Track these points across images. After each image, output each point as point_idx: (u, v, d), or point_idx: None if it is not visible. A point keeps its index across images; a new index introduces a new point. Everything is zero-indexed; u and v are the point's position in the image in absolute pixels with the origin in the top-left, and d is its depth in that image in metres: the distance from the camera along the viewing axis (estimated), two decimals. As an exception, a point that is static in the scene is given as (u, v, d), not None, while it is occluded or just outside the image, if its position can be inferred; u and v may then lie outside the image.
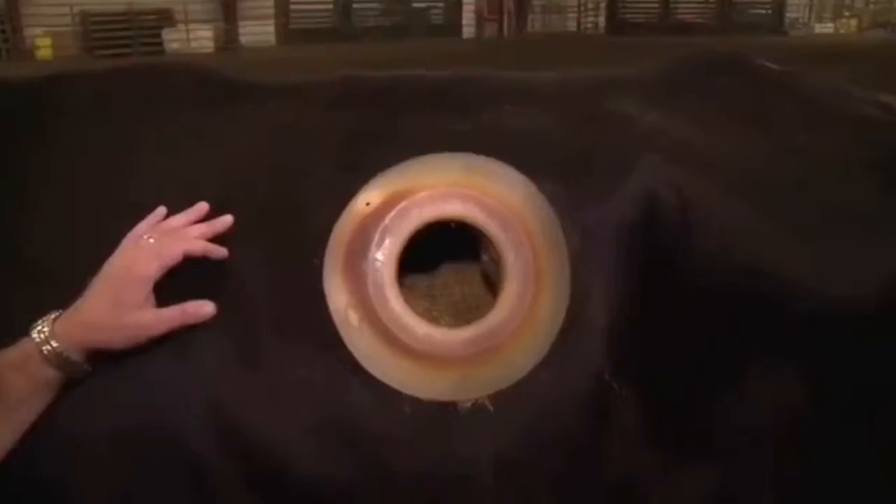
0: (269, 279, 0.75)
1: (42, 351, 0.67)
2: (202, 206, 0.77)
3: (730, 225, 0.76)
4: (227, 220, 0.75)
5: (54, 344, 0.67)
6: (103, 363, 0.70)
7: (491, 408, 0.70)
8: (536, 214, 0.75)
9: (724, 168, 0.80)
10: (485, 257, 0.79)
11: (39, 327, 0.68)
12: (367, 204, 0.75)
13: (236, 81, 0.94)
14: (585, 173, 0.79)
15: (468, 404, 0.70)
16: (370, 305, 0.72)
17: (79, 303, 0.70)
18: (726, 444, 0.76)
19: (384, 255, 0.73)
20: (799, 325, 0.74)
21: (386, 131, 0.83)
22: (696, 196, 0.77)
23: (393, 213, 0.74)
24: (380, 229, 0.74)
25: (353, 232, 0.74)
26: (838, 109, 0.91)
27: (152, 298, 0.71)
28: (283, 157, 0.82)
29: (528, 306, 0.73)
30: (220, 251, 0.74)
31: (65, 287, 0.71)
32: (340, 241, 0.74)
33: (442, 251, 0.82)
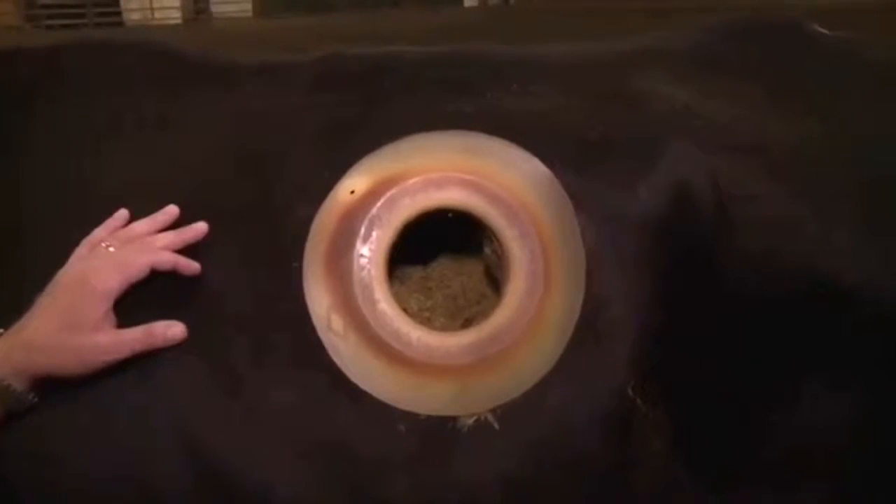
0: (244, 287, 0.75)
1: None
2: (171, 211, 0.77)
3: (775, 218, 0.76)
4: (199, 228, 0.75)
5: None
6: (53, 393, 0.70)
7: (496, 424, 0.71)
8: (546, 202, 0.76)
9: (769, 153, 0.81)
10: (487, 250, 0.79)
11: None
12: (352, 192, 0.76)
13: (204, 61, 0.95)
14: (605, 160, 0.79)
15: (470, 420, 0.71)
16: (356, 308, 0.73)
17: (23, 321, 0.69)
18: (775, 473, 0.77)
19: (371, 250, 0.74)
20: (863, 333, 0.74)
21: (374, 117, 0.84)
22: (735, 186, 0.77)
23: (381, 201, 0.75)
24: (366, 221, 0.75)
25: (335, 224, 0.75)
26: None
27: (112, 318, 0.70)
28: (258, 149, 0.83)
29: (535, 307, 0.73)
30: (192, 266, 0.73)
31: (4, 303, 0.71)
32: (321, 236, 0.75)
33: (441, 239, 0.83)
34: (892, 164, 0.81)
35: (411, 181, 0.76)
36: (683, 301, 0.76)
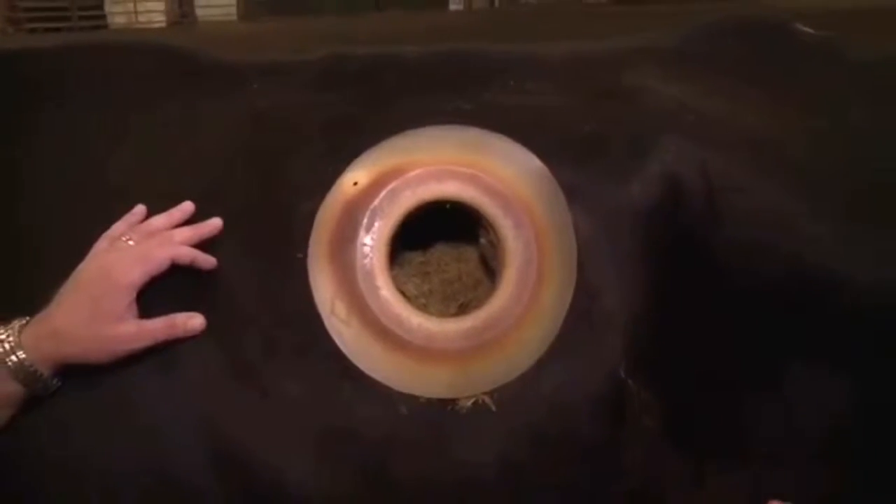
0: (253, 279, 0.79)
1: (6, 363, 0.69)
2: (187, 207, 0.80)
3: (764, 211, 0.80)
4: (215, 223, 0.79)
5: (21, 355, 0.69)
6: (76, 379, 0.73)
7: (493, 407, 0.75)
8: (540, 194, 0.80)
9: (757, 148, 0.85)
10: (483, 240, 0.83)
11: (3, 336, 0.70)
12: (355, 184, 0.80)
13: (206, 61, 0.99)
14: (598, 154, 0.83)
15: (468, 403, 0.75)
16: (359, 295, 0.77)
17: (49, 310, 0.72)
18: (761, 453, 0.81)
19: (374, 239, 0.78)
20: (845, 321, 0.78)
21: (376, 114, 0.87)
22: (724, 179, 0.81)
23: (383, 193, 0.79)
24: (368, 212, 0.79)
25: (339, 215, 0.79)
26: (891, 80, 0.96)
27: (135, 309, 0.73)
28: (264, 145, 0.86)
29: (529, 294, 0.77)
30: (210, 261, 0.77)
31: (22, 291, 0.75)
32: (326, 226, 0.79)
33: (441, 225, 0.87)
34: (875, 159, 0.85)
35: (412, 174, 0.80)
36: (674, 289, 0.80)
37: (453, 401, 0.75)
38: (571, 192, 0.81)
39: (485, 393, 0.75)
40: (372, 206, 0.79)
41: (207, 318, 0.75)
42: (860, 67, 0.97)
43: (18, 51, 1.01)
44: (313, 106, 0.90)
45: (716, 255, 0.80)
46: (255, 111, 0.89)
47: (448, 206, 0.80)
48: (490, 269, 0.84)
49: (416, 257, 0.88)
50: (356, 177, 0.80)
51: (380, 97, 0.90)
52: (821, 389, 0.80)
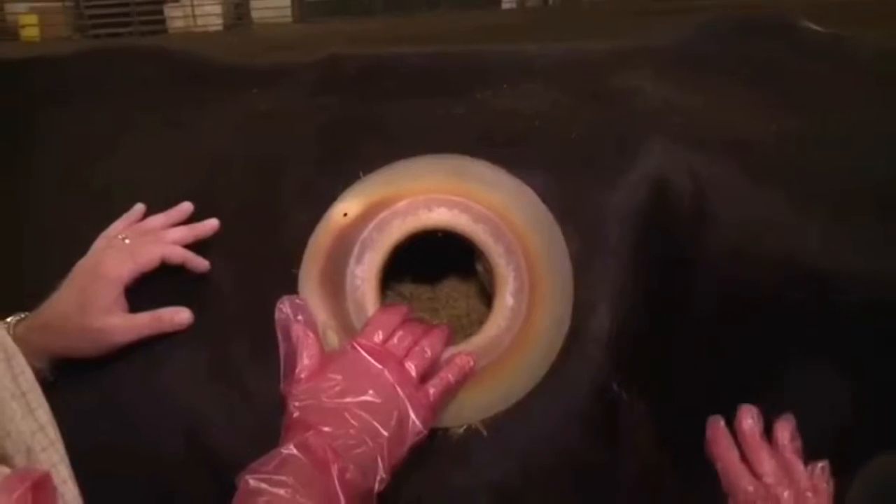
0: (244, 283, 0.78)
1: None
2: (185, 207, 0.80)
3: (756, 215, 0.77)
4: (211, 224, 0.79)
5: None
6: (65, 376, 0.74)
7: (485, 433, 0.73)
8: (530, 219, 0.78)
9: (750, 149, 0.81)
10: (479, 268, 0.82)
11: None
12: (345, 215, 0.79)
13: (211, 65, 1.00)
14: (585, 160, 0.81)
15: (461, 430, 0.73)
16: (351, 326, 0.76)
17: (44, 305, 0.73)
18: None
19: (364, 271, 0.77)
20: (841, 323, 0.76)
21: (370, 118, 0.87)
22: (714, 182, 0.78)
23: (372, 224, 0.78)
24: (358, 243, 0.78)
25: (330, 246, 0.78)
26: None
27: (123, 303, 0.74)
28: (261, 152, 0.86)
29: (523, 320, 0.76)
30: (202, 263, 0.77)
31: (25, 291, 0.76)
32: (317, 256, 0.78)
33: (452, 260, 0.86)
34: (876, 160, 0.81)
35: (401, 204, 0.78)
36: (665, 296, 0.78)
37: (445, 428, 0.73)
38: (557, 205, 0.79)
39: (478, 420, 0.73)
40: (362, 238, 0.78)
41: (196, 317, 0.75)
42: (866, 64, 0.93)
43: (24, 59, 1.03)
44: (310, 109, 0.89)
45: (705, 261, 0.77)
46: (254, 115, 0.89)
47: (439, 234, 0.79)
48: (489, 298, 0.82)
49: (425, 292, 0.87)
50: (346, 207, 0.79)
51: (375, 100, 0.89)
52: (821, 395, 0.77)
